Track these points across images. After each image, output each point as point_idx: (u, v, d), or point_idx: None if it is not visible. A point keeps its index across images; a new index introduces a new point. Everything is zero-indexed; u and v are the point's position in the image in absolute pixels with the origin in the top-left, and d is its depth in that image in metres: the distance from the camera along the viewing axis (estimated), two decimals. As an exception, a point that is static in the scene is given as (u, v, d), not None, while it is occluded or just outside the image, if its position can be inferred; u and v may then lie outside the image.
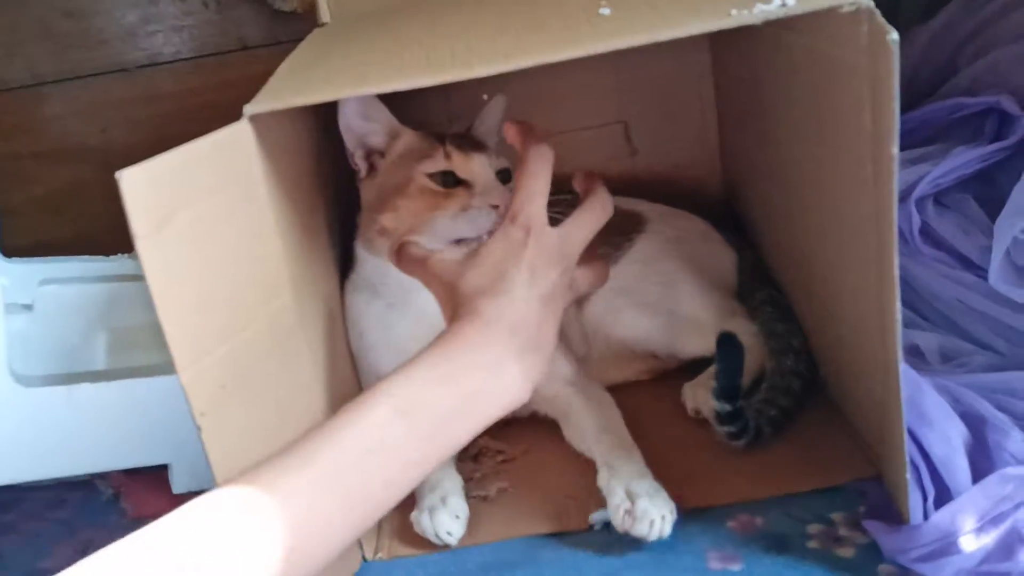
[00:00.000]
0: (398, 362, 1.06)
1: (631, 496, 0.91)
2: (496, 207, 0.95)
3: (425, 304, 0.94)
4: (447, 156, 1.01)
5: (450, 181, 1.00)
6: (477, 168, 1.00)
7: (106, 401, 1.08)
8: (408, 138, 1.05)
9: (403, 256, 0.94)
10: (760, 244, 1.28)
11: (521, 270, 0.81)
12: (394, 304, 1.06)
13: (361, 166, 1.06)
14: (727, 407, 0.98)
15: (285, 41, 1.53)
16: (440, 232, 0.97)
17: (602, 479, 0.96)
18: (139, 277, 1.29)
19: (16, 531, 1.16)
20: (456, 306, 0.83)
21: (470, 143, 1.04)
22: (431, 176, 1.00)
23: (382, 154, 1.05)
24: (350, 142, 1.04)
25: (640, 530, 0.89)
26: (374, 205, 1.04)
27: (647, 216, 1.26)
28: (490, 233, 0.90)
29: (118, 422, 1.08)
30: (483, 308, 0.80)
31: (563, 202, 0.93)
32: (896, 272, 0.73)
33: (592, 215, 0.87)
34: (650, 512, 0.89)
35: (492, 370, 0.78)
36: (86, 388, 1.08)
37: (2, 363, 1.03)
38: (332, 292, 1.06)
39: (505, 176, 1.03)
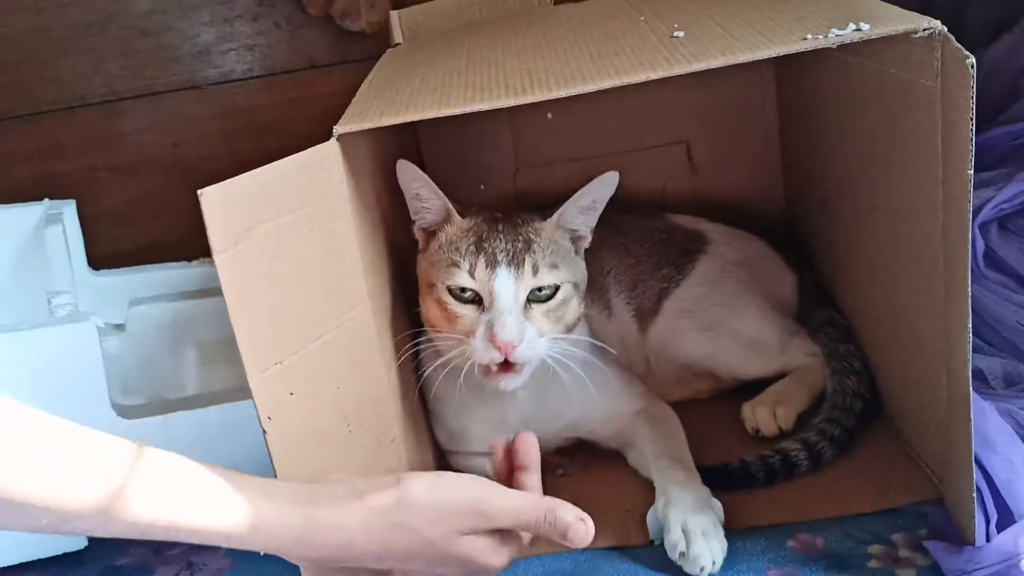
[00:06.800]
0: (459, 420, 1.09)
1: (687, 534, 0.91)
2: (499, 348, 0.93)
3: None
4: (471, 271, 0.97)
5: (469, 295, 0.97)
6: (498, 287, 0.95)
7: (200, 428, 1.09)
8: (452, 231, 1.01)
9: None
10: (821, 266, 1.28)
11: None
12: (455, 370, 0.99)
13: (420, 238, 1.05)
14: None
15: (353, 60, 1.57)
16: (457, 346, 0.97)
17: (659, 507, 0.96)
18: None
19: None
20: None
21: (513, 249, 0.97)
22: (450, 290, 0.97)
23: (436, 232, 1.03)
24: (411, 208, 1.03)
25: (691, 570, 0.90)
26: (420, 285, 1.03)
27: (709, 236, 1.27)
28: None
29: (212, 447, 1.05)
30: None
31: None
32: (968, 295, 0.73)
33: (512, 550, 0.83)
34: (702, 558, 0.89)
35: None
36: (181, 416, 1.09)
37: (104, 398, 1.06)
38: (401, 307, 1.07)
39: (546, 293, 0.97)
